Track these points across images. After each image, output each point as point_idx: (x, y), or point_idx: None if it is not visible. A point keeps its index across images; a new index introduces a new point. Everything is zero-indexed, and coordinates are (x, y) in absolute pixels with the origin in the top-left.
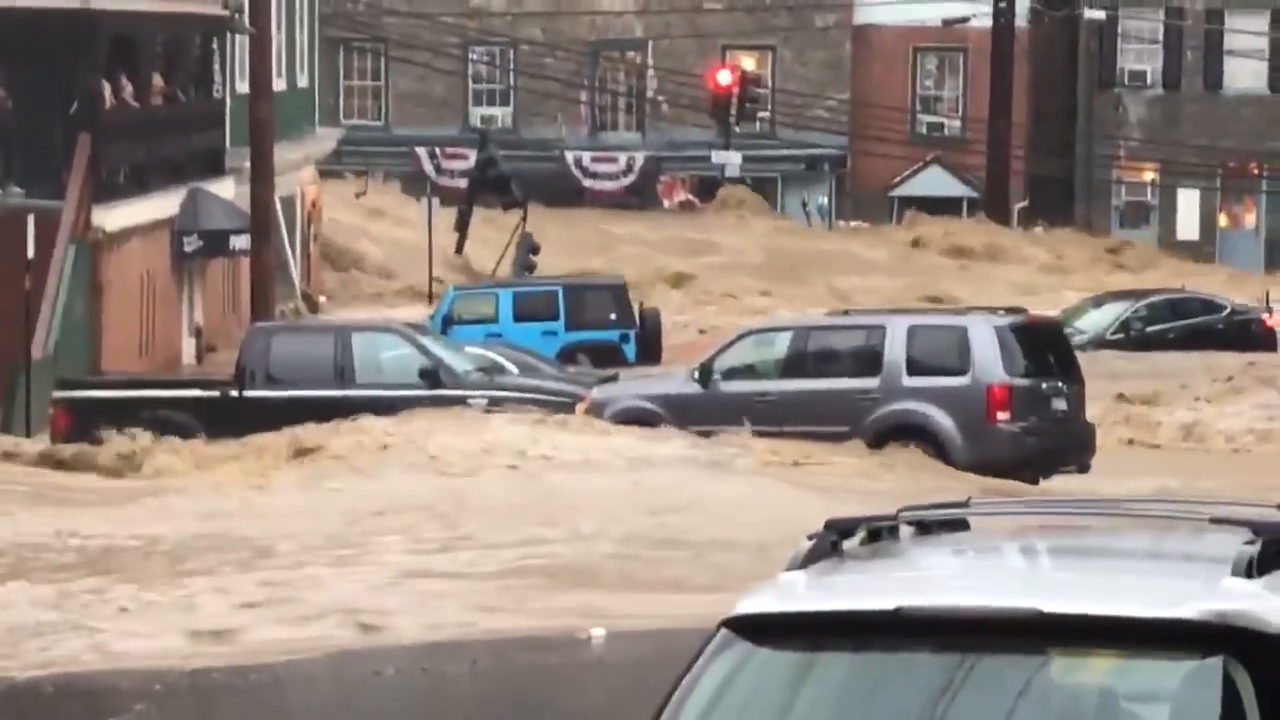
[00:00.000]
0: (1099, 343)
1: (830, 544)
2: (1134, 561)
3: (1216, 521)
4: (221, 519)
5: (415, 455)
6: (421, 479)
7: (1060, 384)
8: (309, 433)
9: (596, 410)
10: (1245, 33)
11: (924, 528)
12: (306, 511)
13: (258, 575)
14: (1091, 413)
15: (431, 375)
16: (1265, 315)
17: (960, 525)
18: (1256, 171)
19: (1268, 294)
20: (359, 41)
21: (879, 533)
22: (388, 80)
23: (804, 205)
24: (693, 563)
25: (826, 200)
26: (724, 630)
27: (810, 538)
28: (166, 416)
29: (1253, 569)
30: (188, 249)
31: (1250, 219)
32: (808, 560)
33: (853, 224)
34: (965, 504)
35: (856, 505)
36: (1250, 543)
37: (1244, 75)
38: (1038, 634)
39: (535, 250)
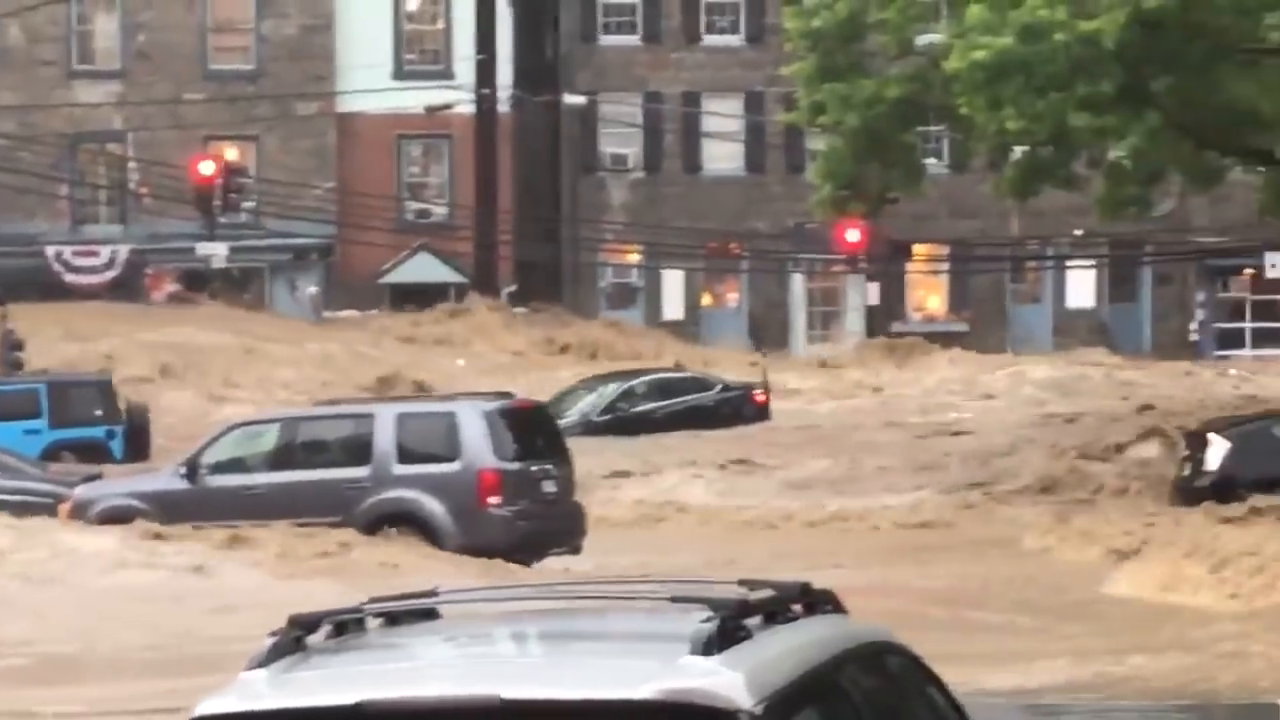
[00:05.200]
0: (587, 425)
1: (294, 640)
2: (596, 643)
3: (677, 600)
4: None
5: None
6: None
7: (550, 467)
8: None
9: (80, 510)
10: (721, 115)
11: (392, 619)
12: None
13: None
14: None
15: None
16: (758, 391)
17: (430, 614)
18: (737, 251)
19: (764, 369)
20: None
21: (345, 626)
22: None
23: (293, 291)
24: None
25: (316, 289)
26: None
27: (273, 634)
28: None
29: (711, 646)
30: None
31: (733, 297)
32: (270, 657)
33: (343, 313)
34: (432, 593)
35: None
36: (708, 620)
37: (722, 157)
38: None
39: (19, 347)
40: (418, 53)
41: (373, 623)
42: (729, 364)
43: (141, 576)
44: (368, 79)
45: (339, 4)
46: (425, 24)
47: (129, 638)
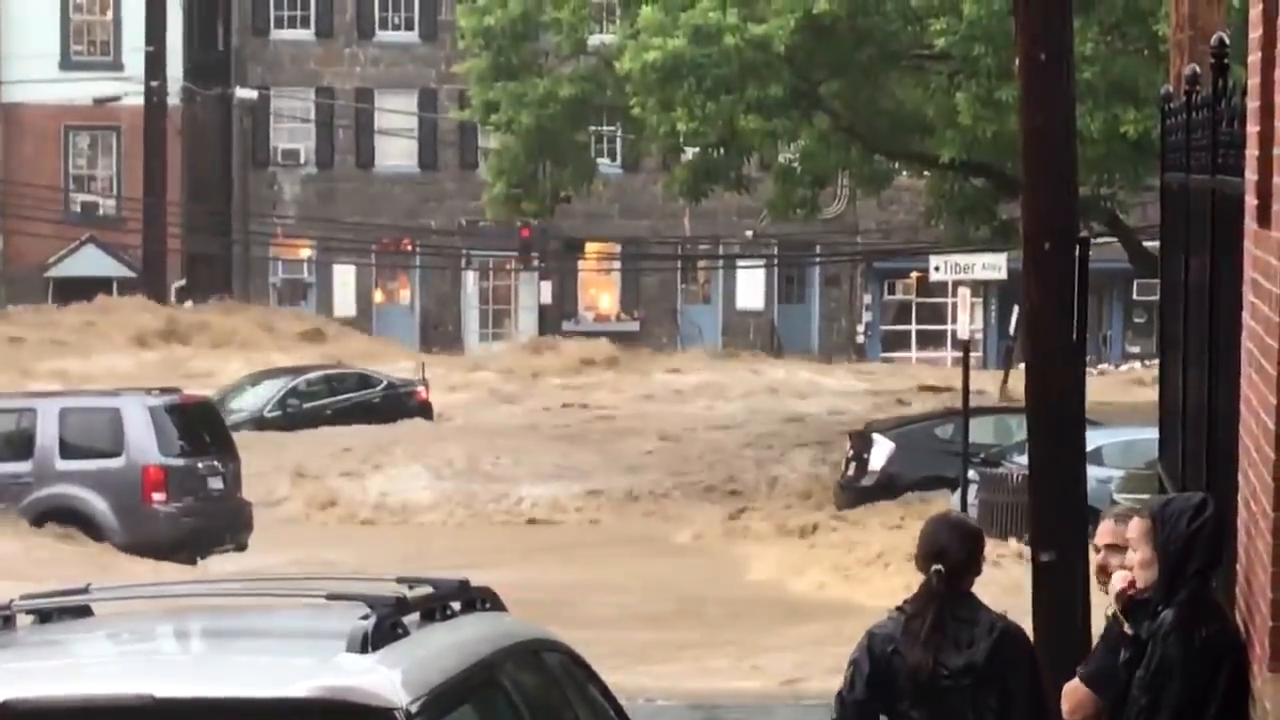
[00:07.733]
0: (258, 421)
1: None
2: (253, 641)
3: (334, 597)
4: None
5: None
6: None
7: (216, 463)
8: None
9: None
10: (395, 112)
11: (44, 616)
12: None
13: None
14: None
15: None
16: (420, 388)
17: (84, 611)
18: (409, 247)
19: (423, 366)
20: None
21: None
22: None
23: None
24: None
25: None
26: None
27: None
28: None
29: (367, 644)
30: None
31: (405, 295)
32: None
33: (9, 307)
34: (84, 590)
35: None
36: (365, 618)
37: (395, 154)
38: None
39: None
40: (86, 43)
41: (24, 620)
42: (398, 361)
43: None
44: (34, 69)
45: None
46: (94, 14)
47: None
